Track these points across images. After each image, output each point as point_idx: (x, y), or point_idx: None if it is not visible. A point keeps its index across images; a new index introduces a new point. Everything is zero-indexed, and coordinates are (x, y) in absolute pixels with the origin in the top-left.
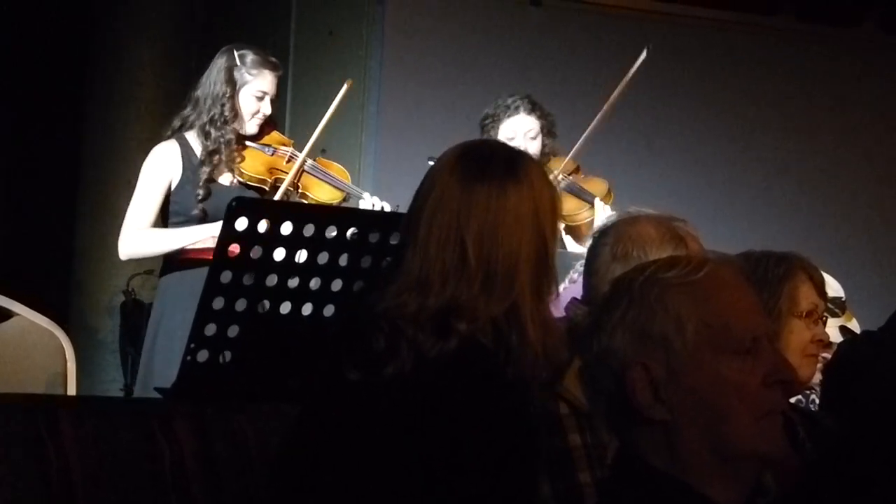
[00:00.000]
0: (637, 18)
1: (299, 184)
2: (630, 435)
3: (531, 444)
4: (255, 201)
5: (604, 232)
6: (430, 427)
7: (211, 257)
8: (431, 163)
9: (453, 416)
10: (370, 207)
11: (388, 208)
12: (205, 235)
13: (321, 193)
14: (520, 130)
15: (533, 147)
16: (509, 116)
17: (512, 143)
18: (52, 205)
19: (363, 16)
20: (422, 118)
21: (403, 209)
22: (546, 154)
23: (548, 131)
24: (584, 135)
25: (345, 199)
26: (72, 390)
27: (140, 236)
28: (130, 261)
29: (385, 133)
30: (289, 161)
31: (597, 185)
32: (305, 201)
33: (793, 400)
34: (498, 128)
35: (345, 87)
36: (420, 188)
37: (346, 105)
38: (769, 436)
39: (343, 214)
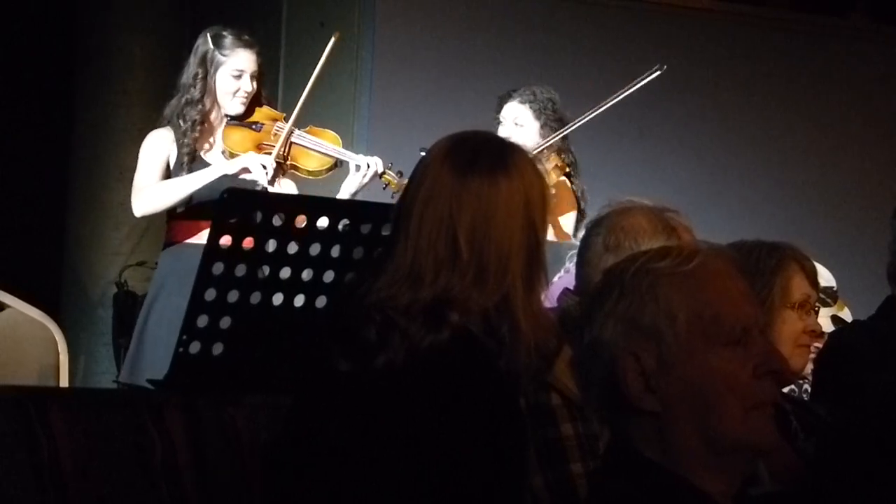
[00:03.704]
0: (628, 8)
1: (287, 155)
2: (621, 425)
3: (522, 434)
4: (246, 192)
5: (596, 223)
6: (422, 417)
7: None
8: (423, 154)
9: (445, 406)
10: (364, 167)
11: (379, 165)
12: (215, 175)
13: (309, 163)
14: (509, 116)
15: (518, 135)
16: (506, 101)
17: (502, 127)
18: (43, 197)
19: (355, 7)
20: (414, 109)
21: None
22: (539, 148)
23: (544, 124)
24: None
25: (335, 166)
26: (64, 382)
27: (151, 190)
28: (122, 251)
29: (377, 124)
30: (276, 135)
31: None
32: (296, 172)
33: (785, 389)
34: (500, 110)
35: (332, 39)
36: (411, 180)
37: (338, 95)
38: (759, 427)
39: (335, 205)
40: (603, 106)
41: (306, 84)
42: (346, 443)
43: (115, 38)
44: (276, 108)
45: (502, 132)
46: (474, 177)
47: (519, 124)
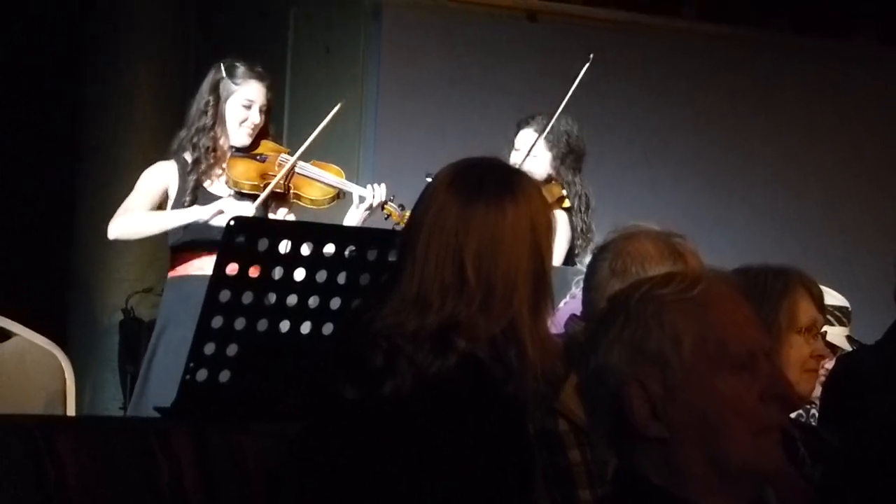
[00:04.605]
0: (634, 33)
1: (290, 185)
2: (628, 452)
3: (530, 461)
4: (252, 220)
5: (603, 248)
6: (429, 444)
7: (209, 273)
8: (429, 179)
9: (452, 433)
10: (367, 198)
11: (382, 195)
12: (190, 218)
13: (312, 192)
14: (525, 143)
15: (532, 163)
16: (522, 128)
17: (516, 154)
18: (49, 223)
19: (360, 33)
20: (419, 134)
21: (400, 199)
22: (552, 177)
23: (558, 154)
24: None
25: (338, 196)
26: (71, 410)
27: (127, 217)
28: (129, 278)
29: (382, 149)
30: (280, 165)
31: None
32: (299, 202)
33: (793, 415)
34: (515, 138)
35: (337, 107)
36: (417, 206)
37: (343, 121)
38: (766, 452)
39: (341, 232)
40: (553, 116)
41: (311, 113)
42: (352, 470)
43: (122, 65)
44: (280, 141)
45: (516, 158)
46: (480, 203)
47: (533, 154)
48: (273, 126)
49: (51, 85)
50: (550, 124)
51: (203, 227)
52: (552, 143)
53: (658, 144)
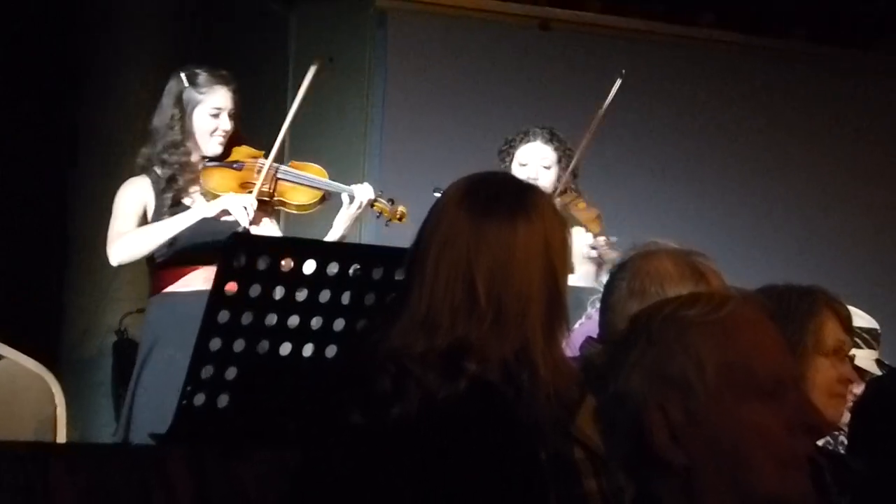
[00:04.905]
0: (647, 43)
1: (274, 192)
2: (647, 479)
3: (541, 489)
4: (253, 237)
5: (621, 267)
6: (437, 471)
7: (195, 290)
8: (437, 193)
9: (462, 459)
10: (357, 197)
11: (370, 193)
12: (195, 219)
13: (297, 196)
14: (534, 157)
15: (545, 177)
16: (525, 143)
17: (524, 170)
18: (41, 245)
19: (364, 43)
20: (425, 146)
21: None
22: (563, 189)
23: (565, 165)
24: (570, 166)
25: (324, 198)
26: (61, 436)
27: (125, 239)
28: (122, 298)
29: (388, 161)
30: (259, 171)
31: (585, 213)
32: (284, 209)
33: (820, 442)
34: (514, 154)
35: (313, 67)
36: (426, 223)
37: (348, 132)
38: (794, 484)
39: (344, 250)
40: (586, 136)
41: (315, 124)
42: (358, 498)
43: (120, 78)
44: (259, 146)
45: (525, 173)
46: (492, 220)
47: (546, 166)
48: (269, 131)
49: (47, 102)
50: (586, 139)
51: (193, 237)
52: (561, 153)
53: (672, 158)
